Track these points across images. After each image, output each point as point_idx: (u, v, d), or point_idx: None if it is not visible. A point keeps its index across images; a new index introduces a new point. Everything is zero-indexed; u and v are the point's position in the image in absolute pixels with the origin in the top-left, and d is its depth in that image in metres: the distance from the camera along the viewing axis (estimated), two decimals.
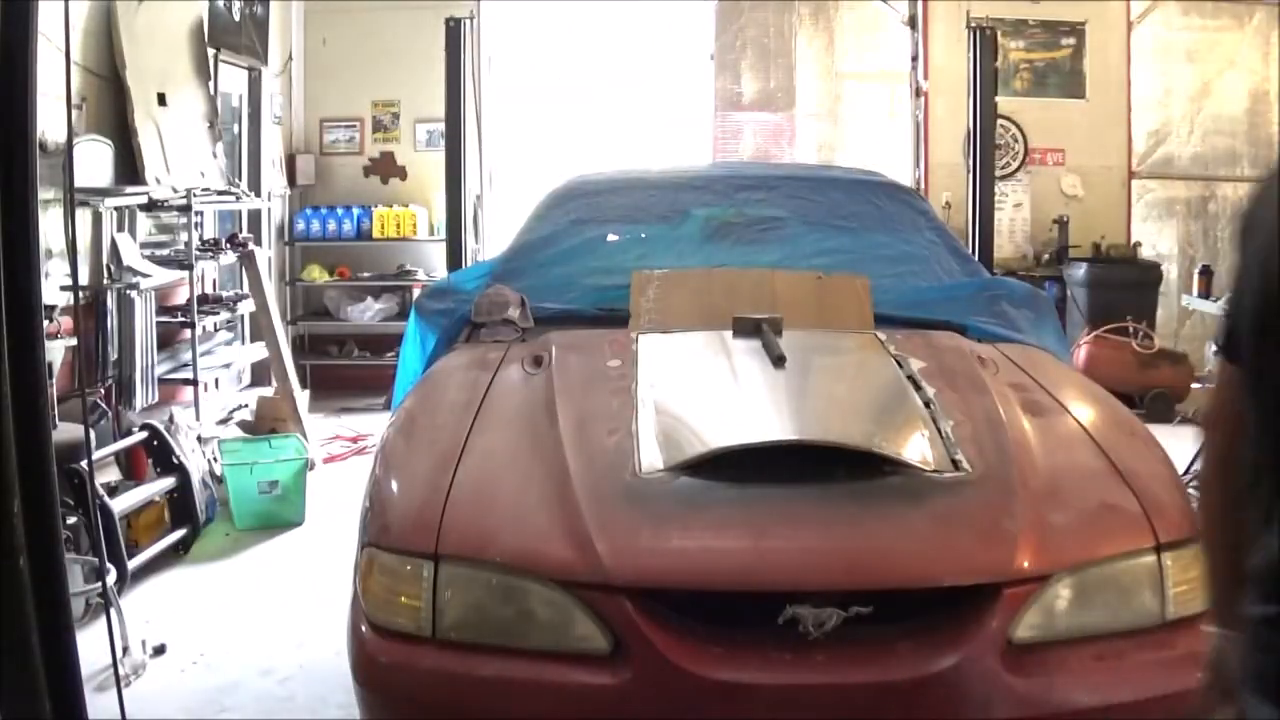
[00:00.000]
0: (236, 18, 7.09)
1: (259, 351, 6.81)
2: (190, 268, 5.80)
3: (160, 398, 5.66)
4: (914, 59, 8.21)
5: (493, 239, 8.19)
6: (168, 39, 6.18)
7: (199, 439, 5.37)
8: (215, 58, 6.76)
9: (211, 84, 6.65)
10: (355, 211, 8.20)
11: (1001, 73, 7.55)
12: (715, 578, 2.21)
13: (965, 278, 3.88)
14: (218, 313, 6.51)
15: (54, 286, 4.49)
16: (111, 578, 3.92)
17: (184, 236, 5.92)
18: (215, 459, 5.36)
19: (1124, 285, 7.72)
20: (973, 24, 7.09)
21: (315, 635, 3.87)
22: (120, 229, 5.44)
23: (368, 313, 8.14)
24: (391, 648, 2.24)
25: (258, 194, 7.38)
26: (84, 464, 3.79)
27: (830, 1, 8.36)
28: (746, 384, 2.77)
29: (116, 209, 5.36)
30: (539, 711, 2.16)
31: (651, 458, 2.41)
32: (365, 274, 8.25)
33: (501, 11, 8.38)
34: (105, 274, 5.23)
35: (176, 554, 4.72)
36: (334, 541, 4.41)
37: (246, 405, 6.72)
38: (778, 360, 2.84)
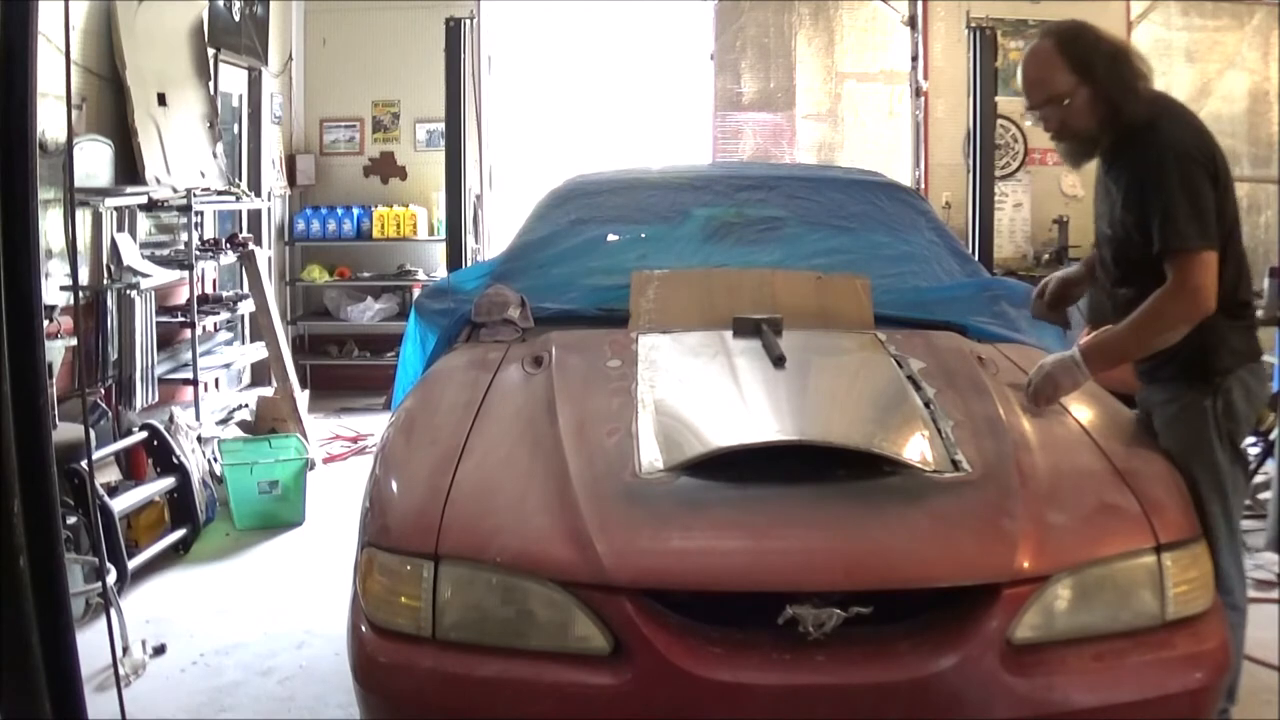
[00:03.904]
0: (236, 18, 7.09)
1: (259, 351, 6.81)
2: (190, 268, 5.80)
3: (160, 398, 5.66)
4: (914, 59, 8.21)
5: (493, 239, 8.19)
6: (168, 39, 6.18)
7: (199, 439, 5.37)
8: (215, 58, 6.76)
9: (211, 84, 6.65)
10: (355, 211, 8.19)
11: (1001, 73, 7.54)
12: (715, 578, 2.21)
13: (965, 278, 3.88)
14: (218, 313, 6.51)
15: (54, 286, 4.50)
16: (111, 578, 3.93)
17: (184, 236, 5.92)
18: (215, 459, 5.37)
19: None
20: (973, 24, 7.08)
21: (315, 635, 3.87)
22: (120, 229, 5.44)
23: (368, 313, 8.14)
24: (391, 648, 2.24)
25: (258, 194, 7.38)
26: (84, 464, 3.79)
27: (830, 1, 8.36)
28: (746, 384, 2.77)
29: (116, 209, 5.36)
30: (539, 712, 2.16)
31: (651, 458, 2.41)
32: (365, 274, 8.25)
33: (501, 11, 8.39)
34: (105, 274, 5.23)
35: (176, 554, 4.72)
36: (334, 541, 4.42)
37: (246, 405, 6.72)
38: (778, 360, 2.85)
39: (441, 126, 7.13)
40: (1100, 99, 2.66)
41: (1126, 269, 2.75)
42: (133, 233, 5.57)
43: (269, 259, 7.62)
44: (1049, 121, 2.76)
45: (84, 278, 5.17)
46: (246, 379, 7.26)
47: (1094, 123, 2.70)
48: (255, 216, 7.54)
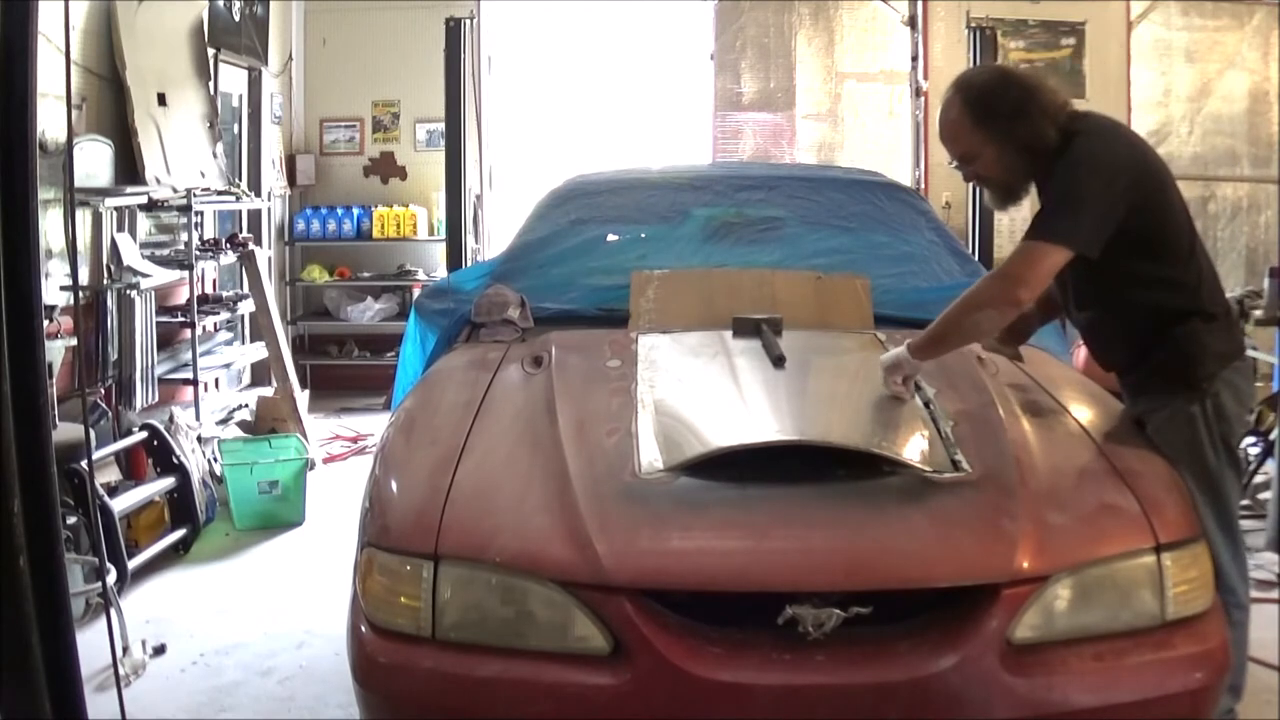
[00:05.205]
0: (236, 18, 7.09)
1: (259, 351, 6.81)
2: (190, 268, 5.80)
3: (160, 398, 5.66)
4: (914, 59, 8.21)
5: (493, 239, 8.20)
6: (168, 39, 6.18)
7: (199, 439, 5.37)
8: (215, 58, 6.76)
9: (211, 84, 6.65)
10: (355, 211, 8.19)
11: None
12: (715, 578, 2.21)
13: (965, 278, 3.87)
14: (218, 313, 6.51)
15: (54, 286, 4.50)
16: (111, 578, 3.93)
17: (184, 236, 5.92)
18: (215, 459, 5.37)
19: None
20: (973, 24, 7.09)
21: (315, 635, 3.87)
22: (120, 229, 5.44)
23: (368, 313, 8.14)
24: (391, 648, 2.24)
25: (258, 194, 7.38)
26: (84, 464, 3.79)
27: (830, 1, 8.36)
28: (746, 384, 2.77)
29: (116, 209, 5.36)
30: (539, 712, 2.16)
31: (651, 458, 2.41)
32: (365, 274, 8.25)
33: (501, 11, 8.39)
34: (105, 274, 5.23)
35: (176, 554, 4.72)
36: (334, 541, 4.42)
37: (246, 405, 6.72)
38: (777, 360, 2.85)
39: (441, 126, 7.14)
40: (1010, 151, 2.67)
41: (1081, 290, 2.76)
42: (133, 233, 5.57)
43: (269, 259, 7.62)
44: (965, 175, 2.79)
45: (84, 278, 5.17)
46: (246, 379, 7.26)
47: (1007, 174, 2.72)
48: (255, 216, 7.53)
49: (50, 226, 4.49)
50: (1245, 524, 4.77)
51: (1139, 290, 2.67)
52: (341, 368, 8.21)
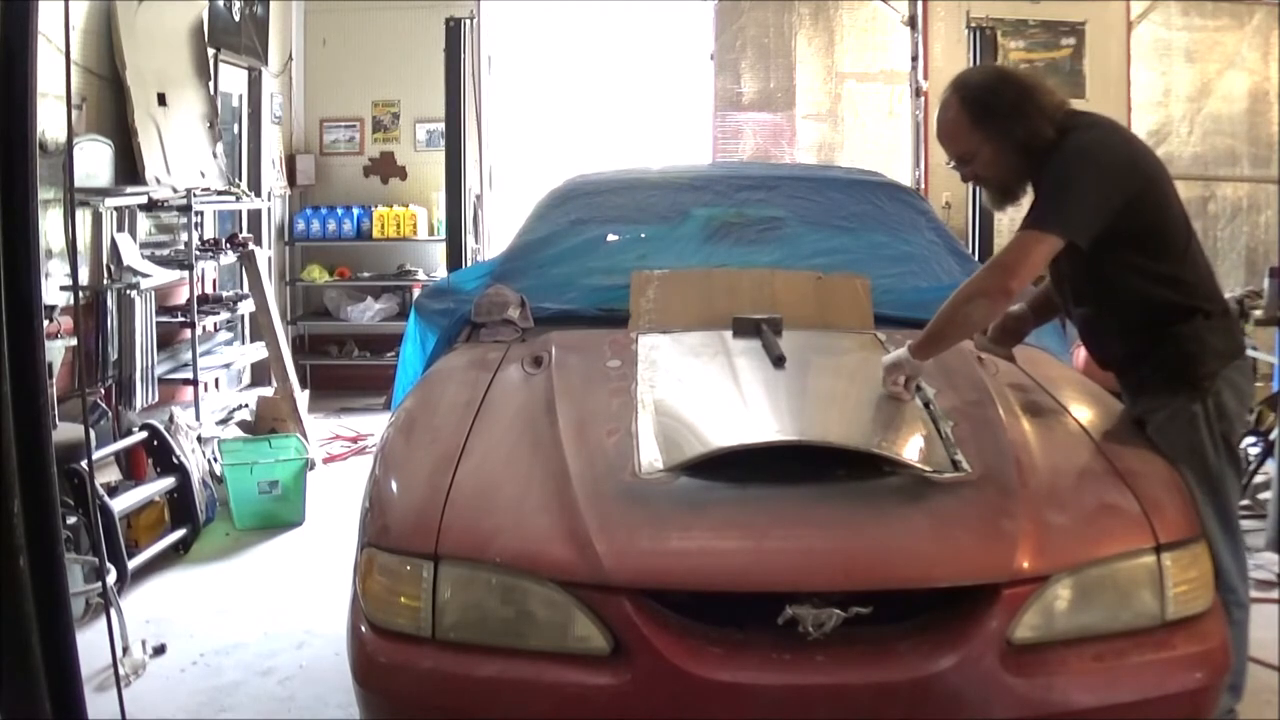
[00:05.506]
0: (236, 18, 7.09)
1: (259, 351, 6.81)
2: (190, 268, 5.80)
3: (160, 398, 5.66)
4: (914, 59, 8.21)
5: (493, 239, 8.20)
6: (168, 39, 6.18)
7: (199, 439, 5.37)
8: (215, 58, 6.76)
9: (211, 84, 6.65)
10: (355, 211, 8.19)
11: None
12: (715, 578, 2.21)
13: (965, 277, 3.86)
14: (218, 313, 6.51)
15: (54, 286, 4.50)
16: (111, 578, 3.93)
17: (184, 236, 5.92)
18: (215, 459, 5.37)
19: None
20: (973, 24, 7.09)
21: (315, 635, 3.87)
22: (120, 229, 5.44)
23: (368, 313, 8.15)
24: (391, 648, 2.24)
25: (258, 194, 7.38)
26: (84, 464, 3.79)
27: (830, 1, 8.36)
28: (746, 384, 2.77)
29: (116, 209, 5.36)
30: (539, 712, 2.16)
31: (651, 458, 2.41)
32: (365, 274, 8.25)
33: (501, 11, 8.39)
34: (105, 274, 5.23)
35: (176, 554, 4.72)
36: (334, 541, 4.42)
37: (246, 405, 6.72)
38: (777, 360, 2.85)
39: (441, 126, 7.16)
40: (1008, 150, 2.69)
41: (1080, 287, 2.77)
42: (133, 233, 5.57)
43: (269, 259, 7.62)
44: (963, 174, 2.81)
45: (84, 278, 5.17)
46: (246, 379, 7.26)
47: (1004, 173, 2.74)
48: (255, 216, 7.53)
49: (50, 226, 4.49)
50: (1245, 524, 4.77)
51: (1136, 286, 2.67)
52: (341, 368, 8.21)
